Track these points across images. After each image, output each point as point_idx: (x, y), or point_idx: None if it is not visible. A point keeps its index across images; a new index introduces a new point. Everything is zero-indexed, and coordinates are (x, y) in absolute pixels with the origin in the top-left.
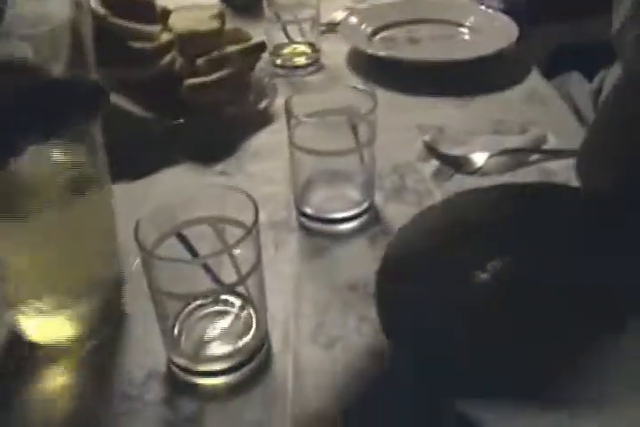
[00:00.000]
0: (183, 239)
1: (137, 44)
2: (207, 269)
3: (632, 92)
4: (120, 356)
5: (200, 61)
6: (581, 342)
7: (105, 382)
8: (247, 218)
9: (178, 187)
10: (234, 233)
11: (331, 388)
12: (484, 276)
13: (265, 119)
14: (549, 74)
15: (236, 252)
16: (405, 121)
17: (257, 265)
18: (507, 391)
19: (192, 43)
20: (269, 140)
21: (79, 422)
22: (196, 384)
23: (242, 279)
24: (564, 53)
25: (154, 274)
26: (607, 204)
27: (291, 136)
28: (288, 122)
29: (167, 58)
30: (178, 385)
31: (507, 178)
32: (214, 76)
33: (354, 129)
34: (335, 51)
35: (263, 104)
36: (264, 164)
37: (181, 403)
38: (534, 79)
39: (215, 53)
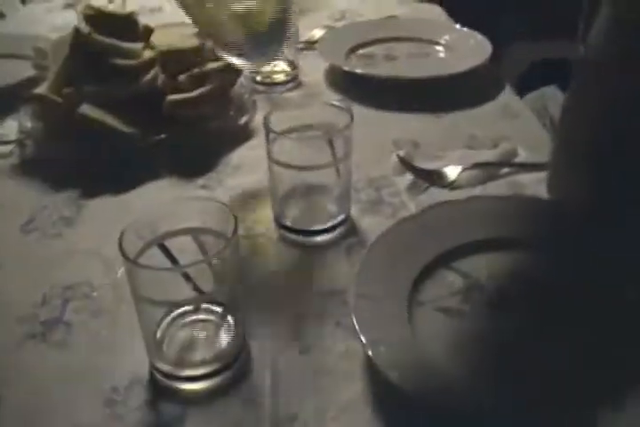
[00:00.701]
0: (165, 249)
1: (120, 61)
2: (187, 278)
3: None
4: (104, 361)
5: (182, 78)
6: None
7: (89, 388)
8: (227, 229)
9: (159, 200)
10: (215, 244)
11: (307, 391)
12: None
13: (245, 135)
14: (524, 89)
15: (216, 262)
16: (381, 136)
17: (236, 274)
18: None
19: (174, 59)
20: (249, 154)
21: None
22: (179, 389)
23: (221, 288)
24: (538, 69)
25: (137, 282)
26: (576, 216)
27: (269, 151)
28: (267, 137)
29: (149, 74)
30: (160, 390)
31: (478, 191)
32: (196, 92)
33: (330, 144)
34: (313, 68)
35: (243, 120)
36: (244, 178)
37: (164, 408)
38: (507, 95)
39: (197, 70)
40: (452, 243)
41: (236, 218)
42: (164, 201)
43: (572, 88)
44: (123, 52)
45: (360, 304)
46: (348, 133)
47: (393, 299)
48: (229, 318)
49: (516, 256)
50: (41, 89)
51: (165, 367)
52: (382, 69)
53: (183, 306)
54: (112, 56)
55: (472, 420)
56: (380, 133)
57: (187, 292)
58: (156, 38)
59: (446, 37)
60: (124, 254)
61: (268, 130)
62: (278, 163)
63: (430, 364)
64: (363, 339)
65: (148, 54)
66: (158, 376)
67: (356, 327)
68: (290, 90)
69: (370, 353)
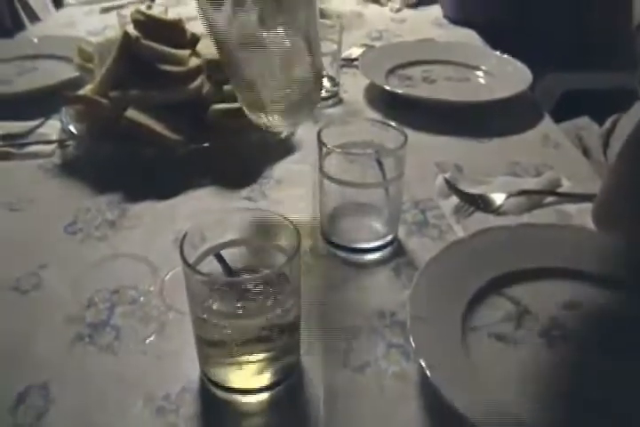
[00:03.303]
0: (221, 260)
1: (167, 67)
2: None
3: None
4: (153, 368)
5: (228, 87)
6: None
7: (140, 394)
8: (287, 244)
9: (203, 209)
10: (271, 258)
11: (362, 410)
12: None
13: (287, 148)
14: (556, 119)
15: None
16: (423, 158)
17: (297, 291)
18: None
19: (220, 69)
20: (292, 168)
21: None
22: (229, 401)
23: (281, 302)
24: (571, 100)
25: (193, 290)
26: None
27: (321, 165)
28: (320, 151)
29: (196, 82)
30: (212, 401)
31: (525, 218)
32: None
33: (379, 163)
34: (353, 85)
35: (285, 133)
36: (287, 191)
37: (216, 419)
38: (546, 124)
39: None
40: (503, 269)
41: (299, 233)
42: (208, 210)
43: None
44: (170, 59)
45: (416, 327)
46: (401, 154)
47: (447, 323)
48: (286, 334)
49: (568, 286)
50: (86, 91)
51: (217, 378)
52: (422, 91)
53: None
54: (159, 62)
55: None
56: (422, 155)
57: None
58: (202, 47)
59: (486, 63)
60: (186, 262)
61: (321, 144)
62: (330, 178)
63: (486, 389)
64: (422, 362)
65: (194, 62)
66: (211, 387)
67: (414, 349)
68: (331, 106)
69: (429, 375)
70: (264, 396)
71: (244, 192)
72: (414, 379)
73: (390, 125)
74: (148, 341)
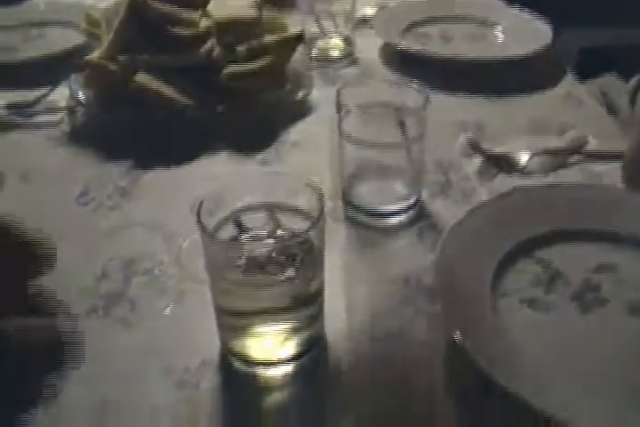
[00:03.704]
0: (240, 226)
1: (177, 30)
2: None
3: None
4: (172, 341)
5: (240, 49)
6: None
7: (160, 367)
8: (310, 207)
9: (217, 174)
10: (292, 223)
11: (389, 381)
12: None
13: (303, 110)
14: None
15: (301, 243)
16: (442, 119)
17: (321, 257)
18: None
19: (231, 31)
20: (308, 131)
21: (135, 410)
22: (252, 374)
23: (304, 270)
24: (589, 57)
25: (213, 258)
26: None
27: (340, 126)
28: (338, 112)
29: (207, 45)
30: (233, 374)
31: (552, 178)
32: (254, 64)
33: (401, 124)
34: (368, 45)
35: (300, 95)
36: (304, 154)
37: (238, 391)
38: (568, 81)
39: (255, 42)
40: (531, 231)
41: (322, 195)
42: (224, 175)
43: None
44: (179, 21)
45: (443, 292)
46: (422, 114)
47: (475, 288)
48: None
49: (599, 248)
50: (94, 56)
51: (239, 349)
52: (438, 50)
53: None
54: (168, 24)
55: (558, 415)
56: (441, 116)
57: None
58: (212, 8)
59: (504, 20)
60: (204, 230)
61: (340, 105)
62: (350, 139)
63: (518, 355)
64: (451, 329)
65: (204, 24)
66: (232, 359)
67: (442, 316)
68: (345, 67)
69: (458, 342)
70: (287, 368)
71: (260, 156)
72: (442, 346)
73: (410, 85)
74: (165, 312)
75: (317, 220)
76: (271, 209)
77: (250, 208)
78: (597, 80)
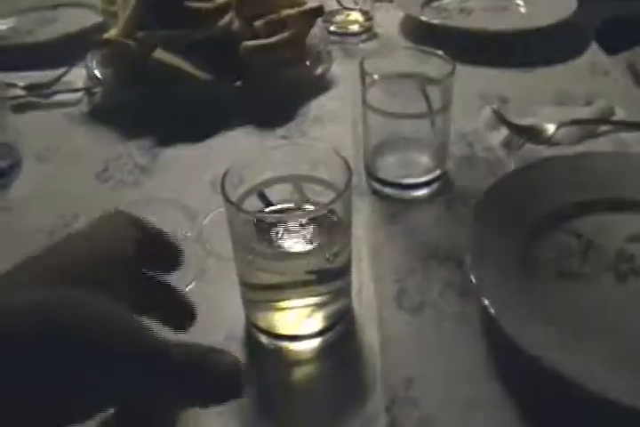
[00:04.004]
0: (264, 199)
1: (194, 4)
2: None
3: None
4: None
5: (258, 23)
6: None
7: None
8: (336, 179)
9: (238, 150)
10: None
11: (421, 354)
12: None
13: (322, 85)
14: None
15: (329, 214)
16: (466, 90)
17: (348, 230)
18: None
19: (249, 4)
20: (329, 105)
21: None
22: (277, 349)
23: (331, 243)
24: (611, 28)
25: (239, 231)
26: None
27: (364, 97)
28: (362, 82)
29: (225, 19)
30: (258, 348)
31: (580, 148)
32: (273, 38)
33: (425, 94)
34: (387, 19)
35: (320, 69)
36: (326, 129)
37: (262, 367)
38: (594, 51)
39: (273, 16)
40: (562, 202)
41: (349, 165)
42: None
43: None
44: None
45: (476, 264)
46: (448, 84)
47: (508, 259)
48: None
49: (632, 218)
50: (111, 34)
51: (263, 323)
52: (459, 23)
53: None
54: None
55: (591, 386)
56: (464, 87)
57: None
58: None
59: None
60: (228, 200)
61: (364, 74)
62: (374, 110)
63: (554, 327)
64: (485, 300)
65: None
66: (257, 334)
67: (476, 287)
68: (364, 41)
69: (493, 314)
70: (314, 343)
71: (281, 131)
72: (475, 319)
73: (435, 54)
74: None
75: (344, 191)
76: (296, 181)
77: (274, 181)
78: (623, 54)
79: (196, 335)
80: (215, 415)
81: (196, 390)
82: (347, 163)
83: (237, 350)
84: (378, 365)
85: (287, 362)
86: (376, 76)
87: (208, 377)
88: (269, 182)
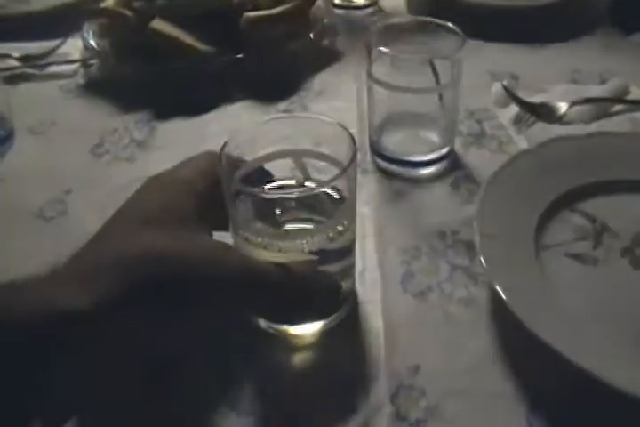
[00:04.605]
0: (265, 174)
1: None
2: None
3: None
4: None
5: None
6: None
7: None
8: (339, 154)
9: (240, 124)
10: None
11: (427, 341)
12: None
13: (327, 58)
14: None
15: (331, 192)
16: (475, 66)
17: (352, 209)
18: None
19: None
20: (332, 79)
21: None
22: (276, 332)
23: (334, 222)
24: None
25: (237, 209)
26: None
27: (369, 70)
28: (368, 55)
29: None
30: (256, 333)
31: (594, 127)
32: (275, 9)
33: (433, 68)
34: None
35: (324, 43)
36: (329, 103)
37: (261, 352)
38: (607, 28)
39: None
40: (575, 182)
41: (353, 139)
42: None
43: None
44: None
45: (486, 246)
46: (457, 58)
47: (518, 241)
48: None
49: None
50: (108, 3)
51: None
52: None
53: None
54: None
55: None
56: (473, 64)
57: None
58: None
59: None
60: (225, 176)
61: (370, 47)
62: (380, 83)
63: (566, 313)
64: (495, 284)
65: None
66: (256, 318)
67: (485, 270)
68: (370, 15)
69: (504, 299)
70: (315, 326)
71: (283, 105)
72: (483, 304)
73: (445, 27)
74: None
75: (348, 166)
76: (298, 157)
77: (275, 156)
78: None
79: None
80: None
81: (300, 305)
82: (352, 138)
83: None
84: (382, 351)
85: (286, 347)
86: (383, 49)
87: (310, 293)
88: (270, 157)
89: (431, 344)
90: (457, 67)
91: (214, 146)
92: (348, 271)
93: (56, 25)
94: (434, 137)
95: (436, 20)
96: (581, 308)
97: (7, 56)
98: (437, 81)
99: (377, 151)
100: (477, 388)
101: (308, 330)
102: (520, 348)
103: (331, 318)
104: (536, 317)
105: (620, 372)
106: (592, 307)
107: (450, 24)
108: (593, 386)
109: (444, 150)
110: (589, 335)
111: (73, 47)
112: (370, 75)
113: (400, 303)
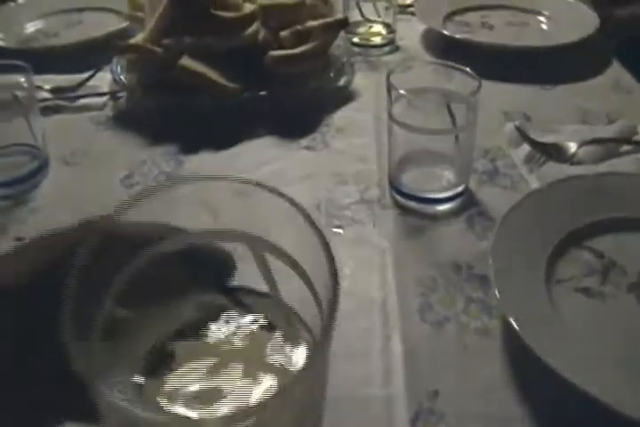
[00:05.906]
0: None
1: (221, 13)
2: None
3: None
4: None
5: (284, 34)
6: None
7: None
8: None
9: (263, 159)
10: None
11: (445, 367)
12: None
13: (346, 96)
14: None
15: None
16: (488, 107)
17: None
18: None
19: (275, 15)
20: (353, 117)
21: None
22: None
23: None
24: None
25: None
26: None
27: (390, 111)
28: (389, 96)
29: (251, 28)
30: None
31: (603, 167)
32: (299, 49)
33: (450, 110)
34: (409, 33)
35: (342, 81)
36: (350, 140)
37: None
38: (616, 69)
39: (299, 27)
40: (584, 220)
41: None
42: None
43: None
44: (223, 4)
45: (501, 280)
46: (473, 100)
47: (531, 276)
48: None
49: None
50: (138, 39)
51: None
52: (481, 38)
53: None
54: (213, 7)
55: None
56: (486, 104)
57: None
58: None
59: (547, 7)
60: None
61: (390, 88)
62: (400, 124)
63: (576, 344)
64: (509, 316)
65: (249, 7)
66: None
67: (500, 303)
68: (387, 53)
69: (517, 330)
70: None
71: (305, 141)
72: (497, 335)
73: (461, 70)
74: None
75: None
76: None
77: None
78: None
79: None
80: None
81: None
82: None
83: None
84: (401, 377)
85: None
86: (402, 91)
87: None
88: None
89: (448, 371)
90: (473, 109)
91: None
92: None
93: (85, 58)
94: (450, 175)
95: (453, 64)
96: (590, 339)
97: (39, 88)
98: (454, 123)
99: (396, 188)
100: (491, 412)
101: None
102: (531, 375)
103: None
104: (547, 347)
105: (626, 398)
106: (600, 339)
107: (467, 68)
108: (601, 412)
109: (460, 188)
110: (598, 365)
111: (102, 80)
112: (390, 116)
113: (418, 332)
